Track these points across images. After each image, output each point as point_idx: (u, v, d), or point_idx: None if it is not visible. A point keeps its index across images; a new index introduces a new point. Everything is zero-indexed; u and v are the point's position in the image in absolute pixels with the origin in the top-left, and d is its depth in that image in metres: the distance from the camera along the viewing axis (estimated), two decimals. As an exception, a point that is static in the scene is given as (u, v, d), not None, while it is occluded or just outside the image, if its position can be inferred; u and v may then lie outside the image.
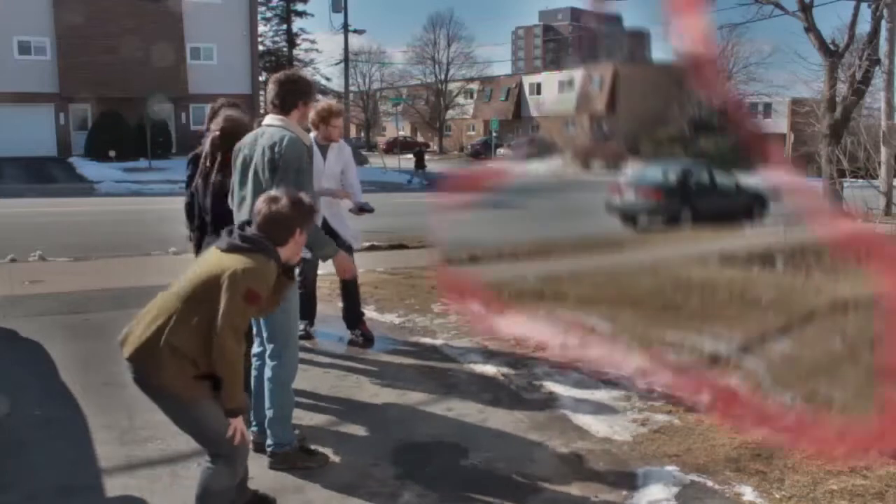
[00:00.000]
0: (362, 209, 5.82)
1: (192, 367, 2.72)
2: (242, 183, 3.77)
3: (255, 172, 3.69)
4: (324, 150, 5.69)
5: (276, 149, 3.61)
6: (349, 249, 5.81)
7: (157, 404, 2.81)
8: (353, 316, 5.97)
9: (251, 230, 2.91)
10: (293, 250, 3.00)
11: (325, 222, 5.70)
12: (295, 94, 3.75)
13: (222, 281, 2.71)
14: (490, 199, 12.95)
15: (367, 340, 5.87)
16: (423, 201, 16.12)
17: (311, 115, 5.76)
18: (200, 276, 2.78)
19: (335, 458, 3.85)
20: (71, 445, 3.92)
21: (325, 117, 5.62)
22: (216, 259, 2.83)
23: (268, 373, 3.71)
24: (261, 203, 2.96)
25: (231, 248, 2.83)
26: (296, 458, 3.69)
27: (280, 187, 3.44)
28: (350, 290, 5.93)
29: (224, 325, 2.68)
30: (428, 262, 9.05)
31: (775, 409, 4.44)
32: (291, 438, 3.74)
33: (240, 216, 3.75)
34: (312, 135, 5.73)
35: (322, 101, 5.86)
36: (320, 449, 3.87)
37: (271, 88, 3.77)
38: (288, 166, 3.59)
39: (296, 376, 3.82)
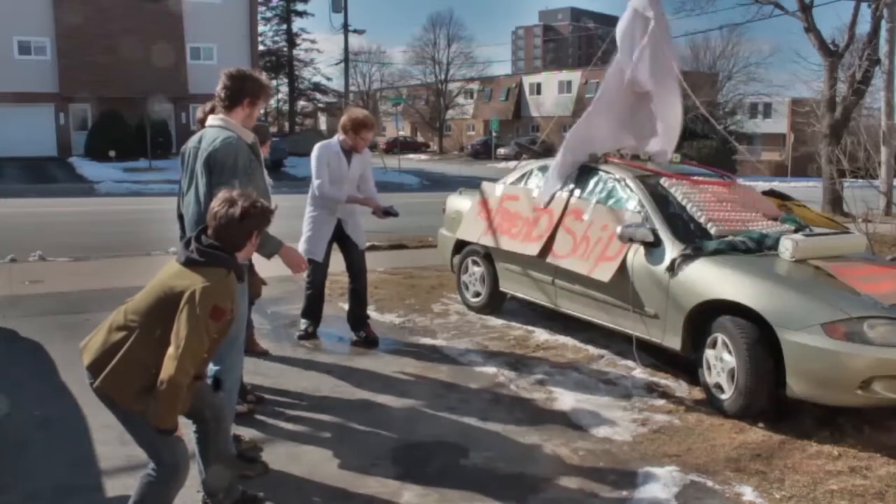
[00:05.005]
0: (387, 213, 5.82)
1: (147, 377, 2.65)
2: (189, 186, 3.72)
3: (195, 177, 3.63)
4: (349, 156, 5.68)
5: (210, 151, 3.52)
6: (356, 248, 5.84)
7: (111, 411, 2.77)
8: (358, 318, 5.97)
9: (207, 238, 2.82)
10: (249, 252, 2.95)
11: (339, 223, 5.72)
12: (242, 91, 3.62)
13: (182, 301, 2.63)
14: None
15: (371, 342, 5.87)
16: (422, 201, 16.12)
17: (344, 119, 5.67)
18: (160, 291, 2.72)
19: (335, 458, 3.86)
20: (71, 445, 3.93)
21: (357, 128, 5.56)
22: (175, 273, 2.77)
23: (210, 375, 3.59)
24: (217, 206, 2.84)
25: (189, 263, 2.76)
26: (233, 464, 3.55)
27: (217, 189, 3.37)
28: (359, 293, 5.91)
29: (185, 349, 2.59)
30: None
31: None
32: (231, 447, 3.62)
33: (187, 221, 3.71)
34: (339, 137, 5.70)
35: (357, 111, 5.78)
36: (317, 448, 3.86)
37: (221, 81, 3.64)
38: (222, 167, 3.48)
39: (240, 380, 3.73)
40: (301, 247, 5.76)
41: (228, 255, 2.82)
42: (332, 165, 5.63)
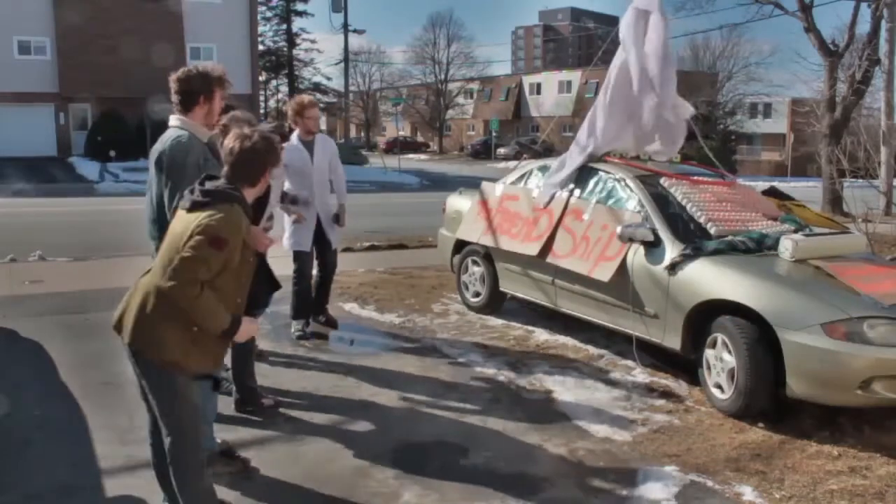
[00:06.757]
0: (337, 221, 6.01)
1: (186, 327, 2.71)
2: (148, 188, 3.75)
3: (151, 178, 3.66)
4: (309, 147, 5.73)
5: (161, 151, 3.54)
6: (329, 246, 5.95)
7: (146, 380, 2.80)
8: (320, 305, 6.17)
9: (212, 183, 2.84)
10: (261, 189, 2.96)
11: (317, 220, 5.76)
12: (193, 92, 3.61)
13: (187, 236, 2.68)
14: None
15: (330, 323, 6.12)
16: (422, 201, 16.11)
17: (289, 112, 5.80)
18: (171, 242, 2.76)
19: (335, 458, 3.86)
20: (71, 445, 3.93)
21: (299, 111, 5.69)
22: (183, 220, 2.78)
23: None
24: (232, 142, 2.88)
25: (194, 206, 2.78)
26: (214, 462, 3.56)
27: (167, 189, 3.43)
28: (325, 285, 6.14)
29: (179, 265, 2.63)
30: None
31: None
32: (211, 444, 3.61)
33: (145, 221, 3.74)
34: (296, 133, 5.75)
35: (296, 96, 5.95)
36: (317, 448, 3.86)
37: (171, 87, 3.64)
38: (171, 165, 3.48)
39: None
40: (287, 241, 5.81)
41: (234, 191, 2.81)
42: (295, 162, 5.63)
